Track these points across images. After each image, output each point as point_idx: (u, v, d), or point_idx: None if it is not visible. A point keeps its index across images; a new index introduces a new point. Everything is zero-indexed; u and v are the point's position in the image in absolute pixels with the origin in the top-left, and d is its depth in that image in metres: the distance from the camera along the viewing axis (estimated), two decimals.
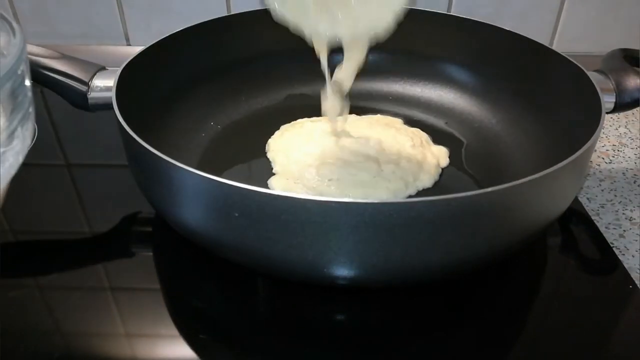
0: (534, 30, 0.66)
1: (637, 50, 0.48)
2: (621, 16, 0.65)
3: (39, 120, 0.55)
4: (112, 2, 0.66)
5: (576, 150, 0.34)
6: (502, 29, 0.51)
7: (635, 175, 0.51)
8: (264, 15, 0.53)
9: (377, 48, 0.57)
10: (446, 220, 0.31)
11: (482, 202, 0.31)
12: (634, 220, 0.45)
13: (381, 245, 0.31)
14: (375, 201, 0.30)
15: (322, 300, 0.37)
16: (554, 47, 0.48)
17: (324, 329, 0.36)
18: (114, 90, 0.39)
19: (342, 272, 0.32)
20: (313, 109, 0.53)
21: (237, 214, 0.31)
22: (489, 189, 0.30)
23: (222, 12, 0.66)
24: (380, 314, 0.37)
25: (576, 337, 0.36)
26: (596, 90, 0.41)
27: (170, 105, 0.49)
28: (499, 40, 0.52)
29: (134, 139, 0.34)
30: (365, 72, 0.58)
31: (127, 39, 0.69)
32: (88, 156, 0.53)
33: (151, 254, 0.41)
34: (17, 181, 0.47)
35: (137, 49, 0.45)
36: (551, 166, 0.32)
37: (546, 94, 0.48)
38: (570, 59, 0.45)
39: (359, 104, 0.54)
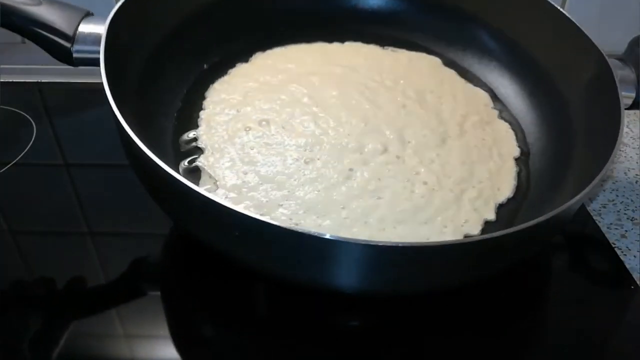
0: None
1: None
2: (622, 15, 0.65)
3: (38, 119, 0.55)
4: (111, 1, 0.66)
5: (596, 147, 0.33)
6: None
7: (637, 175, 0.51)
8: None
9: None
10: (461, 258, 0.30)
11: (502, 243, 0.29)
12: (635, 221, 0.45)
13: (391, 278, 0.30)
14: (391, 244, 0.27)
15: (325, 304, 0.37)
16: None
17: (326, 333, 0.35)
18: (102, 56, 0.35)
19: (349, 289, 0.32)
20: None
21: (237, 233, 0.29)
22: (510, 230, 0.28)
23: None
24: (382, 320, 0.36)
25: (577, 336, 0.35)
26: (616, 89, 0.38)
27: (159, 62, 0.45)
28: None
29: (137, 144, 0.31)
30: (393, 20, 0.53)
31: None
32: (87, 156, 0.52)
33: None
34: (16, 181, 0.47)
35: None
36: (567, 164, 0.31)
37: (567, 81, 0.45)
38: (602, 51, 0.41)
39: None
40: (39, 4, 0.38)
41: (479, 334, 0.36)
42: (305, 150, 0.40)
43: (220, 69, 0.48)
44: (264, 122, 0.42)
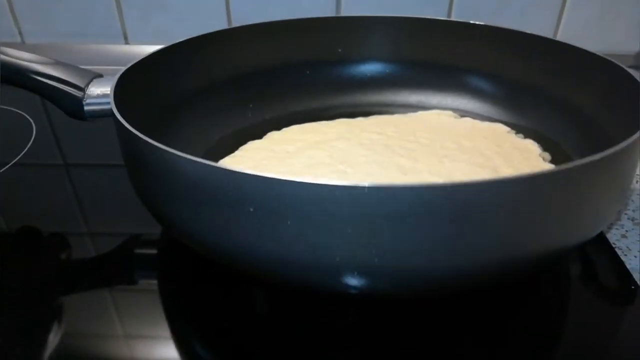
0: (536, 29, 0.66)
1: None
2: (623, 15, 0.65)
3: (38, 119, 0.55)
4: (110, 0, 0.66)
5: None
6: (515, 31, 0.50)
7: (638, 175, 0.51)
8: (270, 28, 0.52)
9: (395, 60, 0.55)
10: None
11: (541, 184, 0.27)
12: (635, 221, 0.45)
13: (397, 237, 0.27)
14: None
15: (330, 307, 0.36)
16: None
17: (332, 336, 0.35)
18: (111, 94, 0.37)
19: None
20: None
21: (251, 209, 0.28)
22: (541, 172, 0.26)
23: (221, 10, 0.66)
24: (388, 325, 0.36)
25: (578, 338, 0.35)
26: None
27: (170, 116, 0.46)
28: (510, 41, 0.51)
29: (136, 134, 0.32)
30: (385, 83, 0.54)
31: (126, 38, 0.68)
32: (86, 156, 0.52)
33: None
34: (16, 181, 0.47)
35: (134, 48, 0.45)
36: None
37: (573, 92, 0.47)
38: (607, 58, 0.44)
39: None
40: (54, 63, 0.42)
41: (475, 331, 0.36)
42: None
43: (228, 147, 0.46)
44: None
